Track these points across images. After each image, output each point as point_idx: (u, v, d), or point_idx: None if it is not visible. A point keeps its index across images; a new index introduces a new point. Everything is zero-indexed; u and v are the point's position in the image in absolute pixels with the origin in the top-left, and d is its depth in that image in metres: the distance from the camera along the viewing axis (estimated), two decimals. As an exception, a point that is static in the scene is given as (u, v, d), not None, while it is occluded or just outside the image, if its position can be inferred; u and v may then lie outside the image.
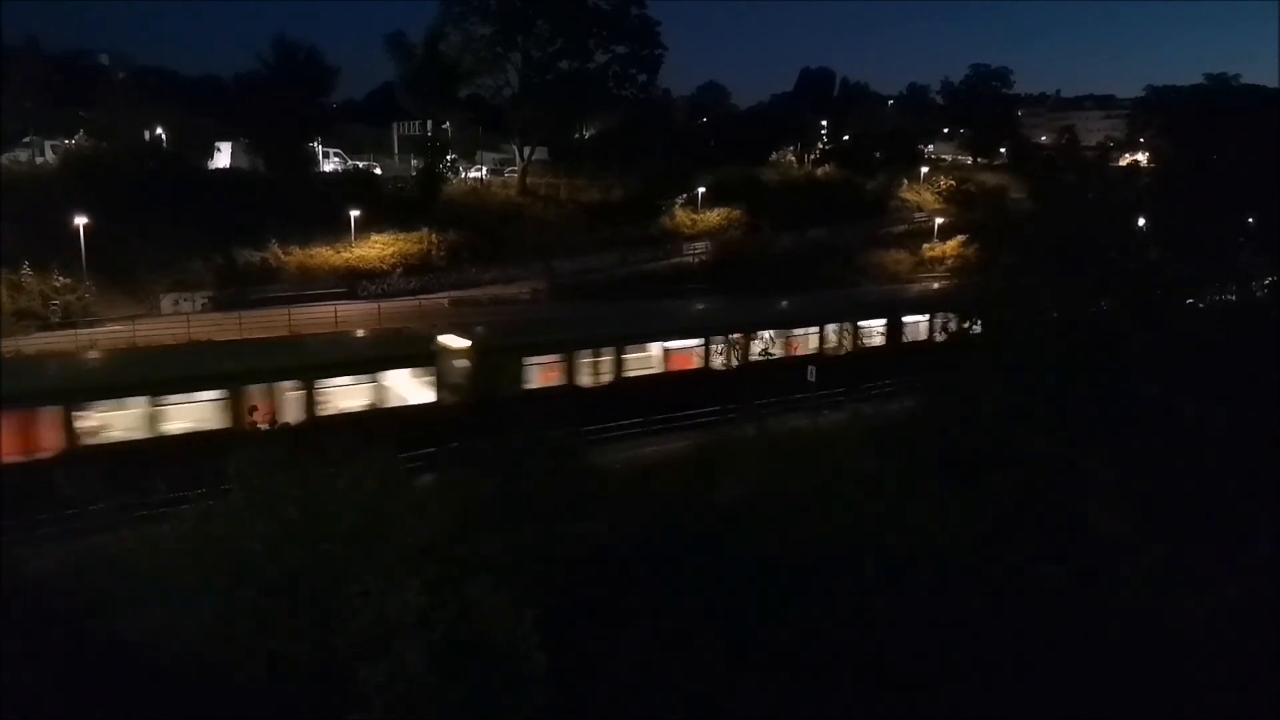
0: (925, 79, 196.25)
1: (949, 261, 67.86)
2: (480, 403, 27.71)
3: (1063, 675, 13.29)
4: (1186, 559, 14.39)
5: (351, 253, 53.70)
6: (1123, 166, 70.74)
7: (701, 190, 70.20)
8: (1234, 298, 26.38)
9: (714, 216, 70.36)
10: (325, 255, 52.87)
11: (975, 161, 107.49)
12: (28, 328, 39.90)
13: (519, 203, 65.31)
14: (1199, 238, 26.06)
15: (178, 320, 43.15)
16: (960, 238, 69.11)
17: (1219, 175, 30.28)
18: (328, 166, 66.28)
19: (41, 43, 65.80)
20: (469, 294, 52.82)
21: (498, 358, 29.83)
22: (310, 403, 26.40)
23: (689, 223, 69.53)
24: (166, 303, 45.83)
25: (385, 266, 53.83)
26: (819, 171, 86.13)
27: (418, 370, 28.70)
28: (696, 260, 64.27)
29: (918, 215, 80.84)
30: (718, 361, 33.77)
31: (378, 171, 67.13)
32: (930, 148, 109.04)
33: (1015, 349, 18.67)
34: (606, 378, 31.82)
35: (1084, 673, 13.30)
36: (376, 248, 54.60)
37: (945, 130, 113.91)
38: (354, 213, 53.77)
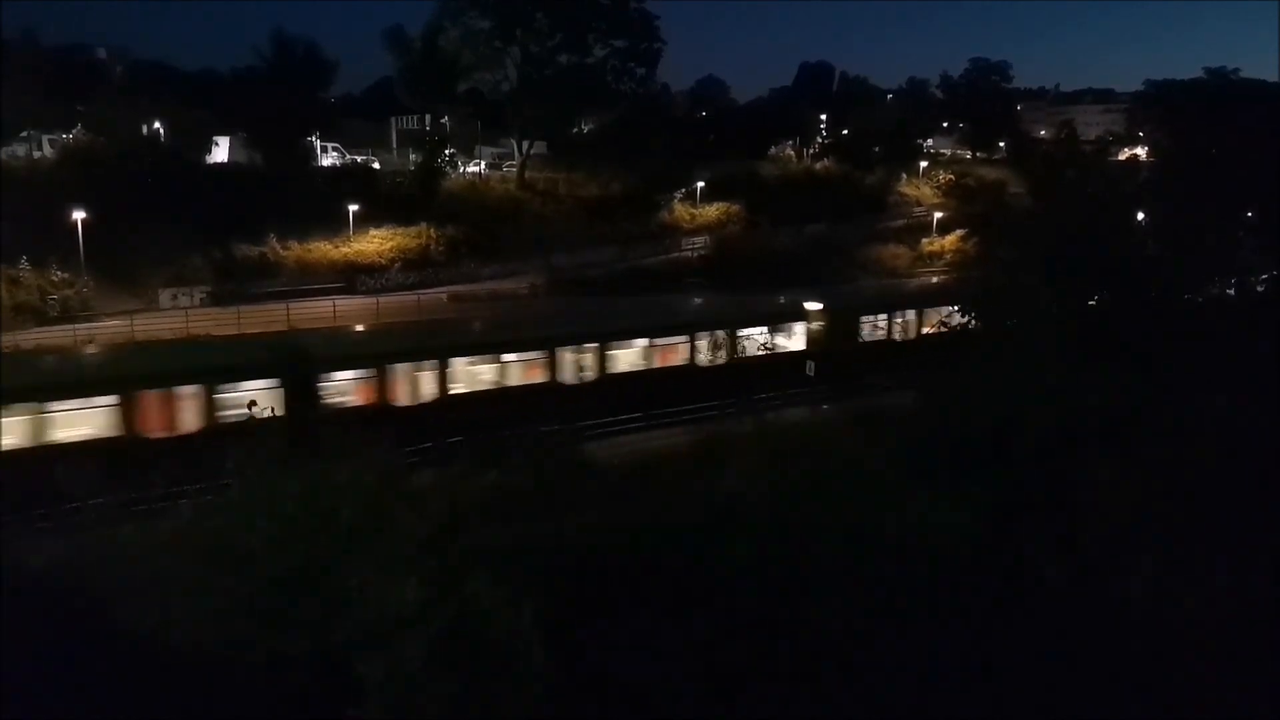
0: (925, 74, 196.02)
1: (948, 256, 67.88)
2: (832, 350, 35.27)
3: (1061, 673, 13.30)
4: (1186, 555, 14.40)
5: (350, 248, 53.67)
6: (1122, 161, 70.82)
7: (700, 185, 70.13)
8: (1233, 293, 26.41)
9: (713, 211, 70.30)
10: (323, 250, 52.82)
11: (974, 156, 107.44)
12: (26, 323, 39.89)
13: (517, 198, 65.22)
14: (1198, 232, 26.07)
15: (176, 315, 43.16)
16: (959, 232, 69.10)
17: (1218, 170, 30.27)
18: (326, 161, 66.22)
19: (39, 37, 65.78)
20: (468, 289, 52.80)
21: (843, 316, 37.01)
22: (733, 347, 34.01)
23: (688, 217, 69.48)
24: (165, 297, 45.83)
25: (384, 261, 53.79)
26: (818, 166, 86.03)
27: (784, 325, 35.92)
28: (695, 255, 64.24)
29: (916, 210, 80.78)
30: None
31: (376, 166, 67.05)
32: (929, 142, 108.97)
33: (1015, 344, 18.67)
34: (911, 334, 38.78)
35: (1083, 670, 13.31)
36: (375, 243, 54.57)
37: (944, 125, 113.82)
38: (352, 207, 53.72)
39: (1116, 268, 23.27)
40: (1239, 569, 14.32)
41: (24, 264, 41.91)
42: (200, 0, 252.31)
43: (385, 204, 56.62)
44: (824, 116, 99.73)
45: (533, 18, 66.68)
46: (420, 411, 27.58)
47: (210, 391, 24.57)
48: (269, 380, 24.97)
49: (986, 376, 18.92)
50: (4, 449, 22.24)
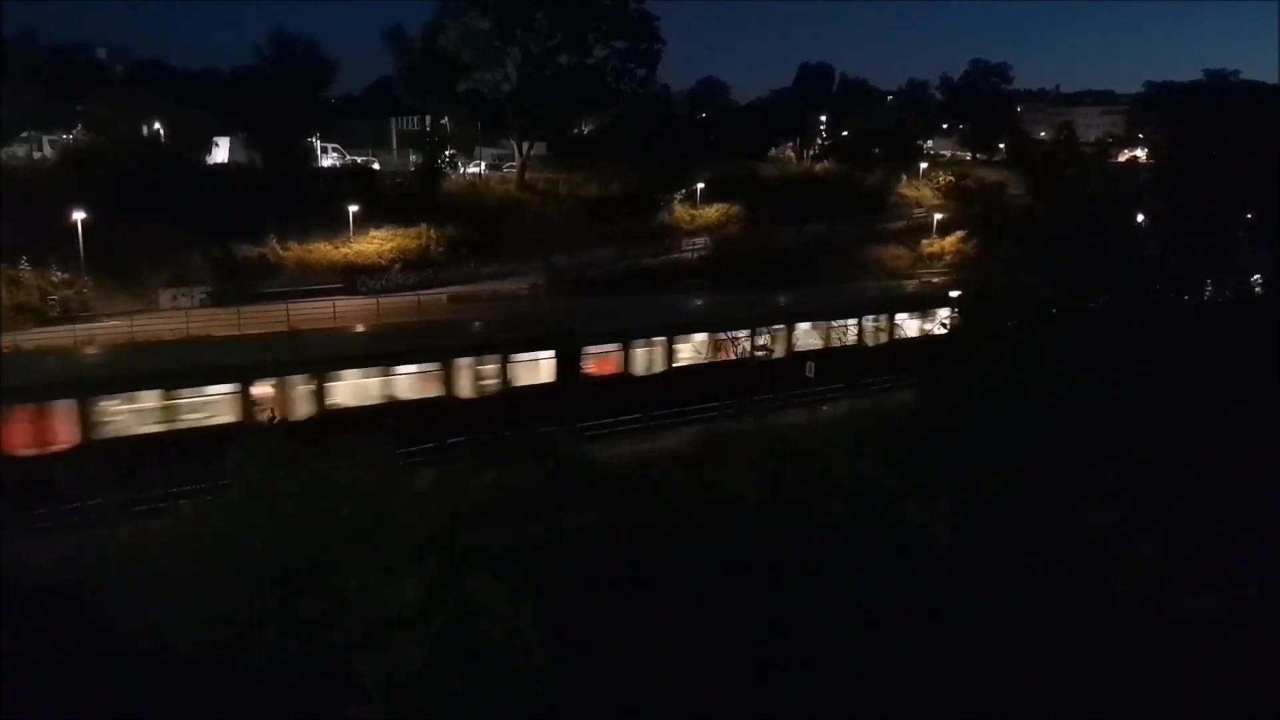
0: (925, 75, 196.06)
1: (948, 257, 67.88)
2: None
3: (1060, 672, 13.29)
4: (1185, 554, 14.41)
5: (350, 248, 53.62)
6: (1121, 163, 70.85)
7: (700, 185, 70.12)
8: (1232, 293, 26.42)
9: (713, 212, 70.32)
10: (324, 250, 52.77)
11: (974, 157, 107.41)
12: (26, 323, 39.84)
13: (517, 198, 65.18)
14: (1198, 233, 26.09)
15: (176, 315, 43.08)
16: (959, 233, 69.11)
17: (1218, 172, 30.28)
18: (326, 162, 66.17)
19: (39, 37, 65.81)
20: (468, 289, 52.76)
21: (978, 304, 38.59)
22: (892, 330, 38.81)
23: (688, 218, 69.47)
24: (165, 298, 45.78)
25: (384, 262, 53.71)
26: (818, 167, 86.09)
27: (931, 311, 39.45)
28: (695, 256, 64.23)
29: (916, 211, 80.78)
30: None
31: (376, 167, 66.99)
32: (929, 143, 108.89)
33: (1016, 344, 18.67)
34: None
35: (1081, 669, 13.30)
36: (375, 243, 54.52)
37: (944, 126, 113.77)
38: (352, 208, 53.68)
39: (1116, 268, 23.29)
40: (1238, 568, 14.32)
41: (24, 264, 41.85)
42: (200, 0, 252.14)
43: (385, 205, 56.54)
44: (824, 117, 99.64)
45: (533, 18, 66.62)
46: (652, 380, 32.04)
47: (505, 360, 28.71)
48: (547, 351, 29.82)
49: (986, 376, 18.92)
50: (353, 405, 25.84)
